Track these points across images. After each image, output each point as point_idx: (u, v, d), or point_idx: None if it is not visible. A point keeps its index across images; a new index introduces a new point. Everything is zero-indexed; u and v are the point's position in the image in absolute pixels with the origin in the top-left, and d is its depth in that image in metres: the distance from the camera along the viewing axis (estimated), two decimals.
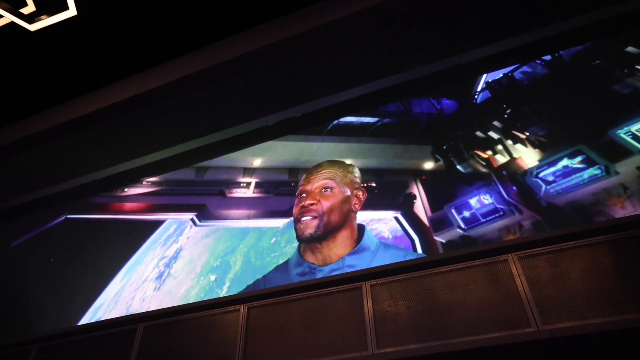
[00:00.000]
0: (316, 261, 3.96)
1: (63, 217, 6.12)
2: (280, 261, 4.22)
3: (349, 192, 4.24)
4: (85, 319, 4.77)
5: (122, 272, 5.05)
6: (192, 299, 4.32)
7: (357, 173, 4.43)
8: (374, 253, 3.79)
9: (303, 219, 4.17)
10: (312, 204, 4.19)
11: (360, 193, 4.24)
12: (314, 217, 4.11)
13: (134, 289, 4.81)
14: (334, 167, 4.50)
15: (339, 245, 3.95)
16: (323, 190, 4.25)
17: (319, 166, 4.66)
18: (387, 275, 3.08)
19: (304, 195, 4.37)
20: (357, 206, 4.18)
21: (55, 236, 5.99)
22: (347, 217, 4.10)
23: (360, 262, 3.71)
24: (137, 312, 4.27)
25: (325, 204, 4.15)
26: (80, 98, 5.24)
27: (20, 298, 5.46)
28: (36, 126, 5.33)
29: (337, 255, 3.89)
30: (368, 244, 3.89)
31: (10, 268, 6.00)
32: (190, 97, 4.98)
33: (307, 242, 4.07)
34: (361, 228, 4.04)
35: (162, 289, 4.61)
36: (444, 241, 3.70)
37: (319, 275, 3.80)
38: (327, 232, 4.04)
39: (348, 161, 4.70)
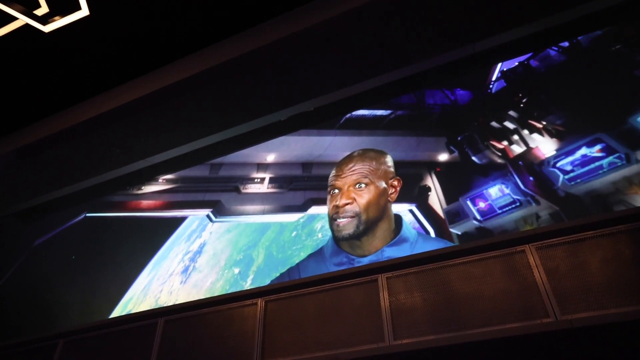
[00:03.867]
0: (354, 252, 3.93)
1: (82, 216, 6.29)
2: (302, 254, 4.25)
3: (384, 185, 4.14)
4: (117, 312, 4.93)
5: (149, 267, 5.19)
6: (217, 291, 4.42)
7: (389, 162, 4.31)
8: (413, 244, 3.74)
9: (339, 219, 4.09)
10: (347, 204, 4.10)
11: (395, 182, 4.14)
12: (352, 217, 4.03)
13: (162, 283, 4.96)
14: (365, 160, 4.38)
15: (377, 237, 3.92)
16: (357, 186, 4.15)
17: (349, 159, 4.54)
18: (403, 268, 3.08)
19: (337, 191, 4.27)
20: (393, 195, 4.09)
21: (75, 234, 6.16)
22: (384, 209, 4.04)
23: (400, 254, 3.67)
24: (165, 305, 4.41)
25: (361, 202, 4.06)
26: (95, 97, 5.32)
27: (45, 294, 5.66)
28: (53, 127, 5.44)
29: (376, 247, 3.86)
30: (407, 235, 3.83)
31: (35, 266, 6.21)
32: (203, 94, 5.00)
33: (346, 241, 4.04)
34: (398, 218, 3.98)
35: (189, 282, 4.74)
36: (459, 233, 3.68)
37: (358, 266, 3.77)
38: (366, 229, 3.99)
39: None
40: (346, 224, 4.04)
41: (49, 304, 5.50)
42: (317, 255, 4.12)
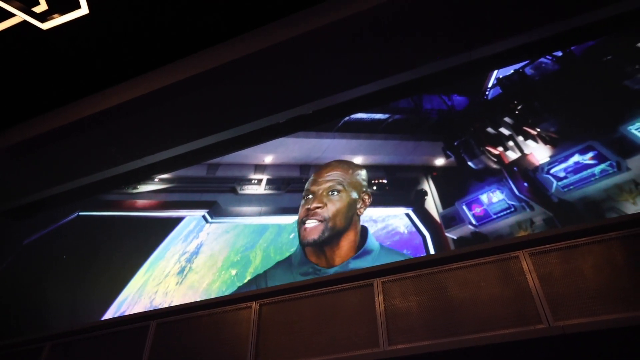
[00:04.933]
0: (320, 263, 3.96)
1: (75, 215, 6.19)
2: None
3: (356, 195, 4.22)
4: (110, 313, 4.84)
5: (145, 267, 5.12)
6: (214, 293, 4.38)
7: (364, 175, 4.41)
8: (375, 257, 3.80)
9: (307, 223, 4.15)
10: (318, 207, 4.16)
11: (366, 197, 4.22)
12: (319, 222, 4.09)
13: (157, 283, 4.89)
14: (342, 168, 4.47)
15: (343, 249, 3.96)
16: (330, 193, 4.23)
17: (327, 166, 4.64)
18: (399, 272, 3.09)
19: (311, 196, 4.35)
20: (362, 210, 4.16)
21: (67, 234, 6.06)
22: (351, 220, 4.11)
23: (364, 265, 3.70)
24: (160, 306, 4.34)
25: (332, 208, 4.13)
26: (92, 96, 5.27)
27: (34, 295, 5.54)
28: (48, 124, 5.37)
29: (341, 258, 3.90)
30: (371, 247, 3.90)
31: (24, 266, 6.08)
32: (202, 94, 4.99)
33: (310, 247, 4.08)
34: (364, 230, 4.04)
35: (185, 283, 4.68)
36: (455, 237, 3.70)
37: None
38: (331, 237, 4.04)
39: (359, 158, 4.68)
40: (312, 229, 4.10)
41: (38, 305, 5.38)
42: (285, 263, 4.15)
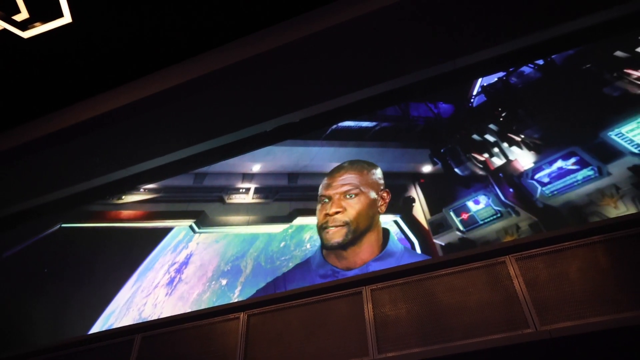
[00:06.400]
0: (340, 265, 3.89)
1: (57, 227, 6.02)
2: (291, 264, 4.20)
3: (374, 195, 4.16)
4: (97, 327, 4.70)
5: (133, 279, 4.99)
6: (204, 303, 4.30)
7: (380, 173, 4.34)
8: (398, 259, 3.73)
9: (329, 228, 4.08)
10: (337, 212, 4.11)
11: (385, 194, 4.16)
12: (341, 226, 4.02)
13: (146, 295, 4.77)
14: (356, 169, 4.42)
15: (364, 250, 3.89)
16: (347, 196, 4.17)
17: (339, 169, 4.57)
18: (388, 280, 3.08)
19: (327, 201, 4.28)
20: (382, 207, 4.10)
21: (49, 246, 5.89)
22: (373, 220, 4.04)
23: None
24: (149, 318, 4.22)
25: (351, 212, 4.06)
26: (75, 105, 5.19)
27: (13, 310, 5.35)
28: (30, 134, 5.26)
29: (362, 260, 3.83)
30: (393, 250, 3.81)
31: (3, 279, 5.88)
32: (188, 103, 4.97)
33: (334, 250, 4.01)
34: (386, 232, 3.98)
35: (174, 294, 4.58)
36: (443, 244, 3.72)
37: None
38: (354, 239, 3.98)
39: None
40: (335, 232, 4.03)
41: (18, 321, 5.19)
42: (304, 265, 4.09)
